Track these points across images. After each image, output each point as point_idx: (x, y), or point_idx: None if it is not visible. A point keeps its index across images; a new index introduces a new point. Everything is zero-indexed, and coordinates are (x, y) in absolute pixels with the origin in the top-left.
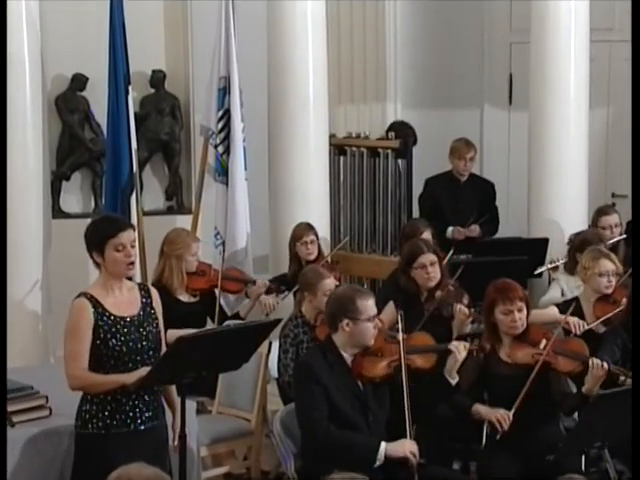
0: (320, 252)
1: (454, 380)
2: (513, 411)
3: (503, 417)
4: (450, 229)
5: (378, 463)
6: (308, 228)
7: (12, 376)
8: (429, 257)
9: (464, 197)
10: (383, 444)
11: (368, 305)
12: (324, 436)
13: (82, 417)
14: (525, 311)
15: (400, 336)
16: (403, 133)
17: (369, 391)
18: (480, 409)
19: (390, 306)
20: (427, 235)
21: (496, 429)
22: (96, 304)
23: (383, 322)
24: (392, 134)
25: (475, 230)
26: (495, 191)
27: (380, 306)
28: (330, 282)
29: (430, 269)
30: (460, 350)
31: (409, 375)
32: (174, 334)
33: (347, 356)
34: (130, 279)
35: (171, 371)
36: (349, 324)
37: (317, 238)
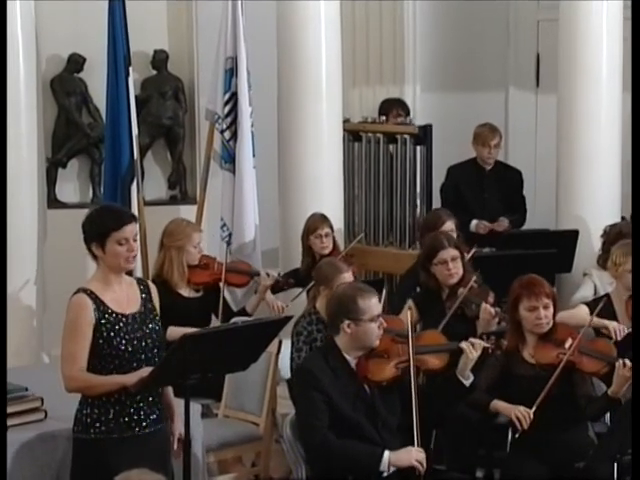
0: (335, 246)
1: (468, 381)
2: (534, 409)
3: (523, 414)
4: (474, 222)
5: (385, 474)
6: (323, 220)
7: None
8: (450, 252)
9: (489, 187)
10: (386, 453)
11: (371, 304)
12: (323, 446)
13: (82, 421)
14: (551, 309)
15: (409, 334)
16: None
17: (377, 396)
18: (499, 405)
19: (410, 305)
20: (450, 226)
21: (516, 428)
22: (97, 300)
23: (402, 322)
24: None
25: (503, 224)
26: (522, 180)
27: (398, 304)
28: (347, 276)
29: (451, 265)
30: (473, 349)
31: (419, 377)
32: (176, 331)
33: (351, 359)
34: (130, 273)
35: (174, 372)
36: (351, 325)
37: (332, 231)
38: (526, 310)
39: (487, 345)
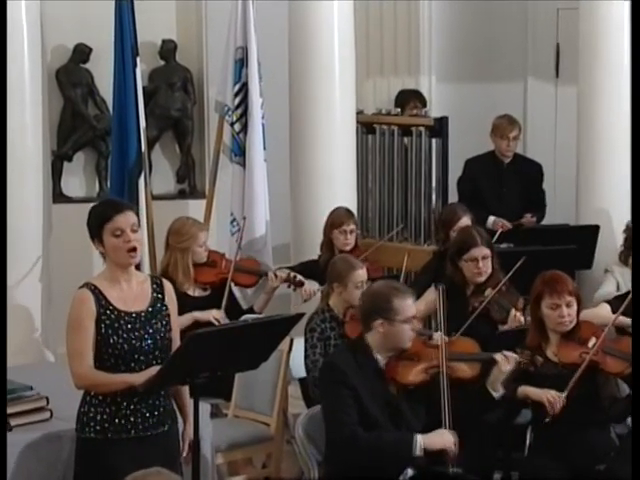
0: (356, 243)
1: (497, 393)
2: (566, 392)
3: (555, 398)
4: (491, 219)
5: (419, 454)
6: (349, 215)
7: (9, 375)
8: (482, 251)
9: (507, 180)
10: (418, 436)
11: (406, 305)
12: (353, 441)
13: (81, 420)
14: (575, 307)
15: (440, 336)
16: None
17: (403, 398)
18: (528, 390)
19: (431, 292)
20: (466, 222)
21: (544, 416)
22: (99, 296)
23: (419, 311)
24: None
25: (531, 220)
26: (543, 174)
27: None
28: (362, 273)
29: (481, 263)
30: (507, 362)
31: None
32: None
33: (380, 358)
34: (137, 267)
35: (183, 371)
36: (383, 324)
37: (357, 227)
38: (548, 308)
39: (521, 360)
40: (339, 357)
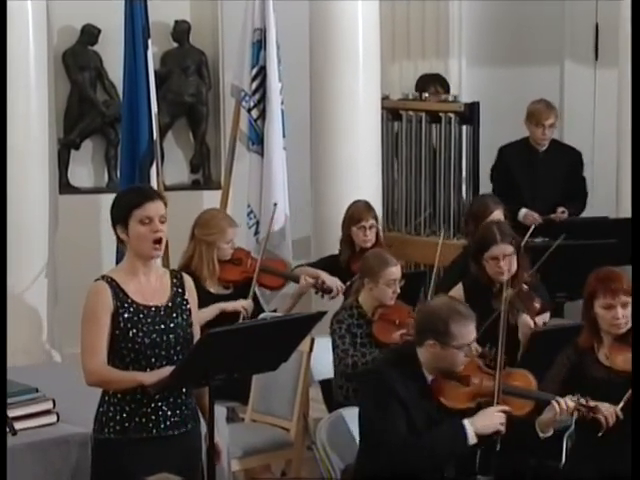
0: (378, 238)
1: (545, 435)
2: (622, 405)
3: (610, 412)
4: (523, 212)
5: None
6: (368, 210)
7: (14, 377)
8: (502, 249)
9: (544, 169)
10: (467, 423)
11: (466, 332)
12: (405, 446)
13: (99, 420)
14: (631, 307)
15: (497, 373)
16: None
17: (445, 416)
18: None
19: (457, 290)
20: (498, 215)
21: (597, 430)
22: (117, 289)
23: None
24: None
25: (562, 215)
26: (583, 162)
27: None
28: (395, 271)
29: (502, 262)
30: (563, 407)
31: None
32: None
33: (428, 375)
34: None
35: (197, 372)
36: (435, 346)
37: (377, 222)
38: (602, 308)
39: (579, 409)
40: (385, 366)
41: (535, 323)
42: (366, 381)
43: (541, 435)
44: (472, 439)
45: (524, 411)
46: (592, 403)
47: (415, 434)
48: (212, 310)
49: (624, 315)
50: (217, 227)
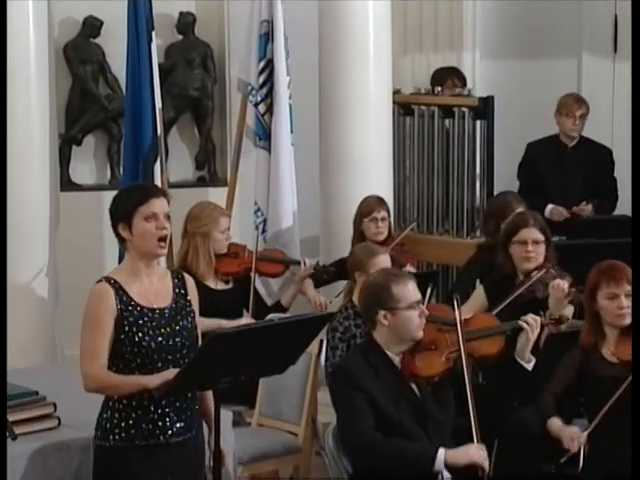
0: (390, 233)
1: (530, 364)
2: (590, 430)
3: (572, 437)
4: (549, 207)
5: (441, 476)
6: (379, 202)
7: (13, 379)
8: (532, 233)
9: (571, 166)
10: (441, 450)
11: (407, 290)
12: (371, 447)
13: (102, 426)
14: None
15: (457, 317)
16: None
17: (427, 394)
18: (552, 425)
19: (479, 295)
20: None
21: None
22: (120, 291)
23: (447, 310)
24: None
25: (586, 209)
26: (613, 160)
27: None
28: (385, 259)
29: (531, 247)
30: (533, 326)
31: (475, 368)
32: (205, 323)
33: (393, 355)
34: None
35: (203, 375)
36: (387, 316)
37: (389, 215)
38: (605, 298)
39: (546, 321)
40: (350, 360)
41: (569, 290)
42: (332, 378)
43: (527, 367)
44: (440, 465)
45: (497, 348)
46: (557, 314)
47: (392, 430)
48: (212, 323)
49: (628, 305)
50: (209, 217)
